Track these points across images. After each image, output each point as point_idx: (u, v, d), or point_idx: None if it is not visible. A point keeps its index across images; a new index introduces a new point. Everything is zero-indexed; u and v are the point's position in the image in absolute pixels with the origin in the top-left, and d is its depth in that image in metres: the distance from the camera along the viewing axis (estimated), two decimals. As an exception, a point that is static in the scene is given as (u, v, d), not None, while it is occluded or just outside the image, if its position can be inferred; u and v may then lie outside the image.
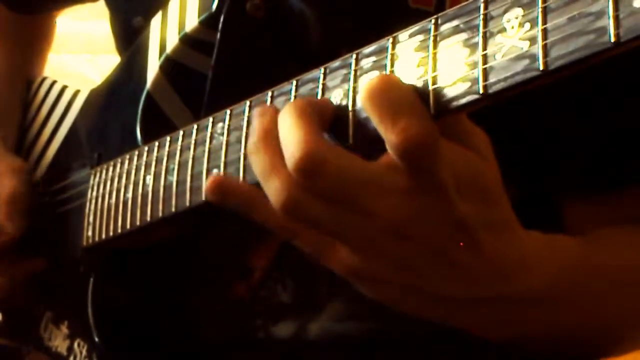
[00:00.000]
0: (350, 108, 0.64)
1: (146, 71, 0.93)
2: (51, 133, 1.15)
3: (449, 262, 0.64)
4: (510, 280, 0.67)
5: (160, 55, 0.91)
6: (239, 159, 0.73)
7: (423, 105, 0.58)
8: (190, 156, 0.79)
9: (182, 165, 0.81)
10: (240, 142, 0.74)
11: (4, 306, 1.11)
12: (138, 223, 0.87)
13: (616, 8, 0.48)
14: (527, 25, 0.53)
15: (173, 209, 0.81)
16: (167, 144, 0.84)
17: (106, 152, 0.99)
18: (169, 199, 0.82)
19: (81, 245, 0.98)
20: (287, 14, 0.85)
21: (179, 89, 0.92)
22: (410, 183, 0.60)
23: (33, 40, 1.32)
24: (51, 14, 1.35)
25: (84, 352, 0.97)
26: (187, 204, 0.79)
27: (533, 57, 0.52)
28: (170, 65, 0.91)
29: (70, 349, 1.00)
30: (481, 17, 0.56)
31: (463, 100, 0.56)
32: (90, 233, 0.96)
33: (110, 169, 0.94)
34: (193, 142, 0.80)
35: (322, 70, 0.67)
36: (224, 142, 0.75)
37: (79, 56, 2.19)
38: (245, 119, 0.74)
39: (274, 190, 0.62)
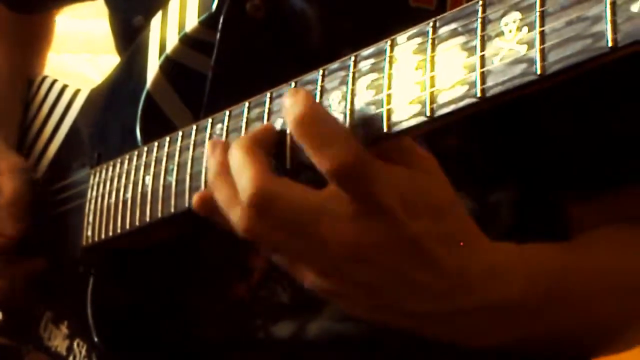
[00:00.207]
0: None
1: (146, 71, 0.93)
2: (51, 132, 1.15)
3: (409, 279, 0.66)
4: (475, 291, 0.68)
5: (160, 55, 0.91)
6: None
7: (350, 132, 0.62)
8: (190, 157, 0.79)
9: (181, 166, 0.81)
10: None
11: (3, 306, 1.11)
12: (137, 223, 0.87)
13: (614, 13, 0.48)
14: (525, 29, 0.53)
15: (172, 209, 0.81)
16: (167, 144, 0.84)
17: (106, 151, 0.99)
18: (168, 199, 0.82)
19: (81, 245, 0.98)
20: (288, 14, 0.85)
21: (179, 89, 0.92)
22: (355, 208, 0.63)
23: (33, 39, 1.32)
24: (51, 13, 1.34)
25: (84, 352, 0.97)
26: (186, 204, 0.79)
27: (531, 61, 0.52)
28: (170, 65, 0.91)
29: (69, 348, 1.00)
30: (479, 20, 0.56)
31: (461, 104, 0.56)
32: (89, 233, 0.96)
33: (110, 168, 0.94)
34: (192, 142, 0.80)
35: (321, 72, 0.67)
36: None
37: (78, 56, 2.19)
38: (245, 120, 0.74)
39: (235, 220, 0.67)
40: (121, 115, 0.97)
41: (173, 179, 0.81)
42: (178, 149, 0.82)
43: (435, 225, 0.64)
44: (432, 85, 0.58)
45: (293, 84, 0.70)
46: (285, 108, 0.63)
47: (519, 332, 0.74)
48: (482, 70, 0.55)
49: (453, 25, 0.58)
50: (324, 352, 0.88)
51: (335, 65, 0.66)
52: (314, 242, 0.64)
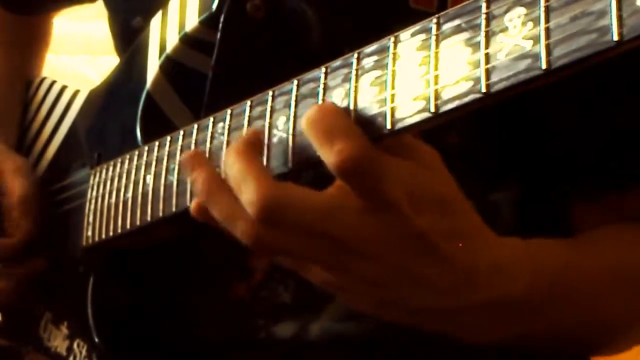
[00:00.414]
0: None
1: (146, 71, 0.93)
2: (51, 133, 1.15)
3: (415, 275, 0.66)
4: (481, 286, 0.68)
5: (160, 55, 0.91)
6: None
7: (358, 128, 0.61)
8: None
9: None
10: None
11: (3, 307, 1.10)
12: (138, 223, 0.87)
13: (619, 7, 0.48)
14: (530, 25, 0.53)
15: (173, 209, 0.81)
16: (168, 143, 0.84)
17: (106, 152, 0.99)
18: (170, 199, 0.82)
19: (81, 245, 0.98)
20: (288, 14, 0.85)
21: (179, 88, 0.92)
22: (362, 204, 0.63)
23: (31, 41, 1.32)
24: (49, 14, 1.34)
25: (84, 353, 0.97)
26: (188, 203, 0.79)
27: (536, 56, 0.52)
28: (170, 65, 0.91)
29: (69, 349, 0.99)
30: (483, 16, 0.56)
31: (466, 100, 0.56)
32: (90, 233, 0.96)
33: (110, 168, 0.94)
34: (193, 141, 0.80)
35: (323, 69, 0.67)
36: (225, 142, 0.75)
37: (78, 57, 2.19)
38: (246, 118, 0.74)
39: (240, 233, 0.66)
40: (121, 116, 0.97)
41: (174, 178, 0.81)
42: (179, 148, 0.82)
43: (442, 221, 0.65)
44: (437, 82, 0.58)
45: (295, 82, 0.70)
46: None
47: (522, 328, 0.75)
48: (486, 66, 0.55)
49: (457, 22, 0.58)
50: (325, 352, 0.88)
51: (337, 62, 0.67)
52: (322, 240, 0.64)
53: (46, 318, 1.06)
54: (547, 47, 0.51)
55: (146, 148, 0.87)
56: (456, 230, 0.66)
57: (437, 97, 0.58)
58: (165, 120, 0.92)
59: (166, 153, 0.84)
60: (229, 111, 0.76)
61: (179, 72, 0.91)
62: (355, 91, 0.64)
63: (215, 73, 0.84)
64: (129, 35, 1.01)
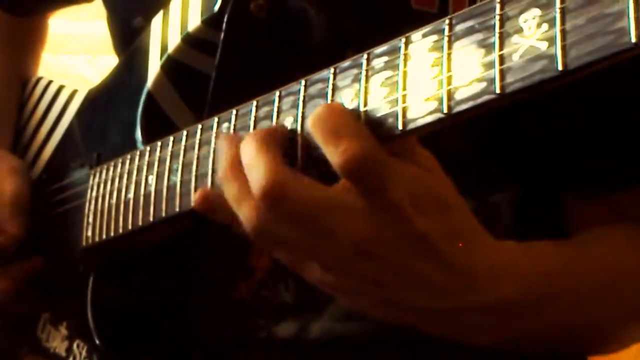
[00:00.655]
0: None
1: (147, 71, 0.93)
2: (48, 133, 1.14)
3: (415, 276, 0.67)
4: (480, 288, 0.69)
5: (162, 55, 0.91)
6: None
7: (365, 128, 0.62)
8: (195, 156, 0.79)
9: (185, 166, 0.80)
10: None
11: (0, 307, 1.10)
12: (140, 223, 0.86)
13: (637, 9, 0.48)
14: (545, 26, 0.53)
15: (177, 209, 0.81)
16: (170, 143, 0.84)
17: (105, 152, 0.99)
18: (173, 199, 0.81)
19: (80, 246, 0.98)
20: (291, 14, 0.85)
21: (180, 88, 0.91)
22: (365, 204, 0.63)
23: (27, 40, 1.31)
24: (44, 15, 1.34)
25: (84, 353, 0.96)
26: (192, 204, 0.79)
27: (552, 58, 0.52)
28: (171, 65, 0.91)
29: (69, 350, 0.99)
30: (497, 17, 0.56)
31: (480, 100, 0.56)
32: (90, 233, 0.96)
33: (111, 169, 0.94)
34: (197, 142, 0.80)
35: (332, 70, 0.67)
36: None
37: (77, 57, 2.18)
38: (252, 119, 0.74)
39: (244, 217, 0.66)
40: (121, 115, 0.97)
41: (177, 178, 0.81)
42: (183, 148, 0.81)
43: (443, 223, 0.65)
44: (450, 83, 0.58)
45: (303, 82, 0.70)
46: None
47: (520, 329, 0.76)
48: (501, 67, 0.55)
49: (470, 23, 0.58)
50: (326, 352, 0.88)
51: (347, 63, 0.66)
52: (323, 236, 0.64)
53: (44, 318, 1.06)
54: (564, 48, 0.52)
55: (148, 148, 0.87)
56: (456, 233, 0.67)
57: (450, 98, 0.58)
58: (166, 120, 0.92)
59: (169, 153, 0.83)
60: (234, 111, 0.76)
61: (180, 72, 0.90)
62: (365, 92, 0.64)
63: (218, 73, 0.84)
64: (129, 35, 1.00)
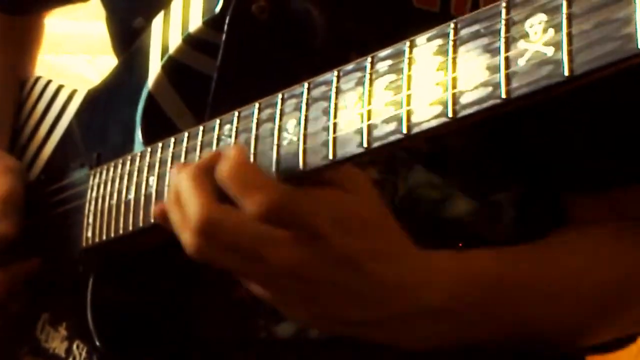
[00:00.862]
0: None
1: (147, 72, 0.93)
2: (46, 133, 1.14)
3: (346, 293, 0.73)
4: (408, 299, 0.75)
5: (163, 55, 0.91)
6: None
7: (266, 176, 0.69)
8: (196, 158, 0.79)
9: None
10: (249, 145, 0.74)
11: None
12: (140, 224, 0.86)
13: (644, 15, 0.48)
14: (552, 31, 0.53)
15: None
16: (172, 145, 0.84)
17: (105, 152, 0.99)
18: None
19: (80, 246, 0.97)
20: (293, 15, 0.85)
21: (181, 89, 0.91)
22: (289, 234, 0.70)
23: (24, 40, 1.31)
24: (40, 14, 1.33)
25: (84, 354, 0.96)
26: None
27: (558, 63, 0.52)
28: (172, 66, 0.91)
29: (68, 350, 0.99)
30: (503, 22, 0.56)
31: (485, 105, 0.56)
32: (89, 234, 0.96)
33: (111, 169, 0.93)
34: (199, 143, 0.79)
35: (336, 72, 0.67)
36: (232, 145, 0.75)
37: (77, 57, 2.18)
38: (255, 121, 0.74)
39: (184, 244, 0.73)
40: (121, 116, 0.97)
41: None
42: (184, 150, 0.81)
43: (368, 241, 0.71)
44: (454, 86, 0.58)
45: (306, 85, 0.70)
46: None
47: (458, 334, 0.80)
48: (507, 71, 0.55)
49: (475, 27, 0.58)
50: (326, 352, 0.88)
51: (350, 66, 0.66)
52: (256, 261, 0.71)
53: (44, 319, 1.05)
54: (570, 53, 0.52)
55: (149, 149, 0.87)
56: (382, 249, 0.72)
57: (455, 102, 0.58)
58: (167, 121, 0.92)
59: (170, 155, 0.83)
60: (236, 113, 0.76)
61: (181, 73, 0.90)
62: (369, 95, 0.64)
63: (220, 74, 0.84)
64: (129, 36, 1.00)
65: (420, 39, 0.62)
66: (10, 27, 1.27)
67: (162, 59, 0.91)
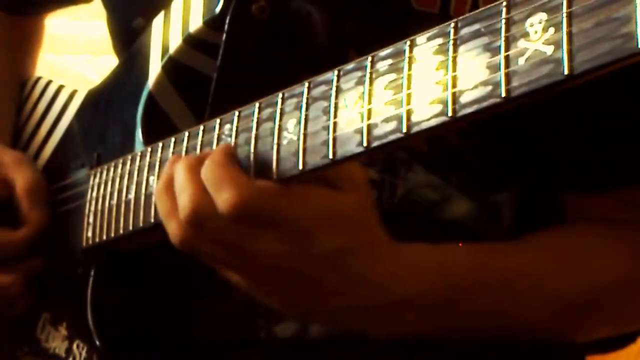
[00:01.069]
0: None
1: (148, 72, 0.93)
2: (47, 133, 1.14)
3: (321, 286, 0.75)
4: (380, 290, 0.77)
5: (163, 56, 0.91)
6: (248, 159, 0.73)
7: (241, 176, 0.71)
8: None
9: None
10: (249, 144, 0.74)
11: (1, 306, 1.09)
12: (141, 224, 0.86)
13: (645, 14, 0.48)
14: (552, 30, 0.53)
15: None
16: (172, 145, 0.84)
17: (105, 152, 0.99)
18: None
19: (80, 246, 0.97)
20: (293, 16, 0.85)
21: (181, 89, 0.91)
22: (271, 233, 0.72)
23: (25, 41, 1.31)
24: (42, 15, 1.34)
25: (84, 354, 0.96)
26: None
27: (558, 62, 0.52)
28: (173, 66, 0.91)
29: (69, 350, 0.99)
30: (503, 21, 0.56)
31: (485, 104, 0.56)
32: (90, 234, 0.96)
33: (111, 169, 0.93)
34: (199, 143, 0.80)
35: (336, 72, 0.67)
36: (232, 144, 0.75)
37: (79, 57, 2.18)
38: (255, 120, 0.74)
39: (170, 232, 0.76)
40: (122, 116, 0.97)
41: None
42: (184, 149, 0.81)
43: (349, 238, 0.73)
44: (454, 86, 0.58)
45: (307, 84, 0.70)
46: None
47: (427, 325, 0.82)
48: (507, 70, 0.55)
49: (476, 26, 0.58)
50: (325, 352, 0.88)
51: (351, 65, 0.67)
52: (241, 253, 0.74)
53: (44, 319, 1.05)
54: (570, 52, 0.52)
55: (149, 149, 0.87)
56: (360, 246, 0.74)
57: (455, 101, 0.58)
58: (167, 121, 0.92)
59: (170, 154, 0.83)
60: (236, 113, 0.76)
61: (181, 73, 0.90)
62: (369, 94, 0.64)
63: (220, 74, 0.84)
64: (129, 36, 1.00)
65: (421, 38, 0.62)
66: (10, 27, 1.27)
67: (162, 59, 0.91)
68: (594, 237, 0.86)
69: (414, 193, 0.86)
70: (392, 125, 0.62)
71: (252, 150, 0.73)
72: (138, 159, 0.89)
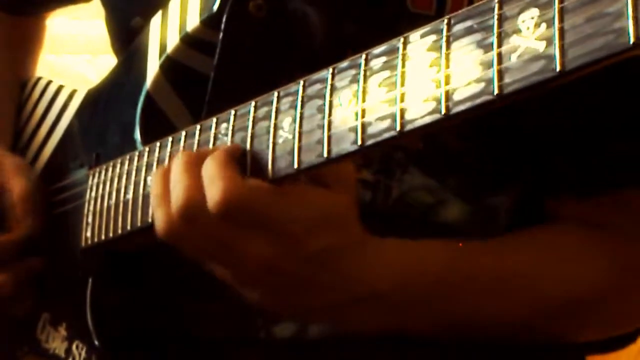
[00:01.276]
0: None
1: (146, 71, 0.92)
2: (47, 133, 1.14)
3: (314, 284, 0.76)
4: (352, 286, 0.77)
5: (161, 55, 0.91)
6: (245, 157, 0.73)
7: (233, 174, 0.71)
8: None
9: None
10: (245, 143, 0.74)
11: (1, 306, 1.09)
12: (139, 224, 0.86)
13: (635, 9, 0.48)
14: (544, 26, 0.53)
15: None
16: (169, 144, 0.84)
17: (104, 152, 0.98)
18: None
19: (80, 246, 0.97)
20: (290, 15, 0.85)
21: (179, 89, 0.91)
22: (260, 232, 0.72)
23: (25, 41, 1.31)
24: (42, 15, 1.34)
25: (84, 354, 0.96)
26: None
27: (550, 58, 0.52)
28: (170, 65, 0.90)
29: (68, 351, 0.99)
30: (495, 17, 0.56)
31: (478, 101, 0.56)
32: (89, 234, 0.95)
33: (110, 169, 0.93)
34: (196, 142, 0.79)
35: (330, 70, 0.67)
36: (229, 143, 0.75)
37: (78, 57, 2.18)
38: (251, 119, 0.74)
39: (157, 219, 0.76)
40: (120, 116, 0.97)
41: None
42: (181, 148, 0.81)
43: (336, 238, 0.73)
44: (448, 83, 0.58)
45: (302, 83, 0.70)
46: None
47: (402, 319, 0.82)
48: (499, 67, 0.55)
49: (468, 23, 0.58)
50: (325, 352, 0.88)
51: (345, 63, 0.66)
52: (227, 252, 0.74)
53: (44, 319, 1.05)
54: (562, 48, 0.51)
55: (147, 149, 0.87)
56: (347, 245, 0.75)
57: (448, 99, 0.58)
58: (165, 120, 0.92)
59: (168, 154, 0.83)
60: (232, 112, 0.76)
61: (179, 73, 0.90)
62: (364, 92, 0.64)
63: (217, 73, 0.84)
64: (127, 35, 1.00)
65: (414, 36, 0.61)
66: (11, 27, 1.27)
67: (160, 59, 0.91)
68: (583, 238, 0.86)
69: (409, 196, 0.86)
70: (386, 123, 0.62)
71: (248, 148, 0.73)
72: (136, 159, 0.88)
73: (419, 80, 0.60)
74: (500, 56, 0.55)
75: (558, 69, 0.51)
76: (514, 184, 0.90)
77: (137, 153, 0.89)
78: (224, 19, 0.84)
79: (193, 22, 0.87)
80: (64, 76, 1.30)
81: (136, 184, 0.87)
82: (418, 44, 0.61)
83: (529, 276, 0.84)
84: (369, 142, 0.63)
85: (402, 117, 0.61)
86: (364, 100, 0.64)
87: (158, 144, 0.85)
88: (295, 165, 0.69)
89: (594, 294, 0.86)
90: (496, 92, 0.55)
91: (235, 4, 0.83)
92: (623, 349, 0.92)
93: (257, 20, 0.84)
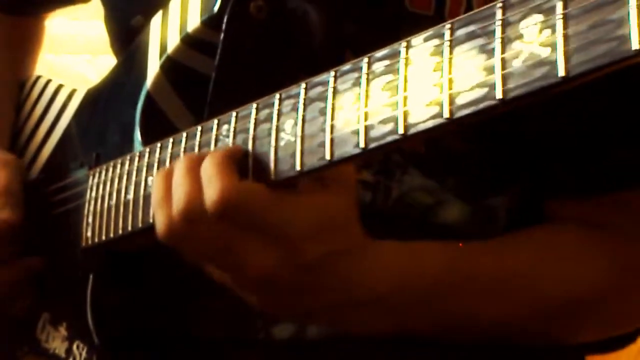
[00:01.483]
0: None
1: (146, 71, 0.92)
2: (46, 133, 1.14)
3: (305, 289, 0.75)
4: (352, 289, 0.77)
5: (161, 55, 0.91)
6: (246, 160, 0.73)
7: (237, 174, 0.71)
8: None
9: None
10: (247, 145, 0.74)
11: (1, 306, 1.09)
12: (140, 224, 0.86)
13: (639, 16, 0.48)
14: (547, 32, 0.53)
15: None
16: (170, 145, 0.84)
17: (104, 152, 0.98)
18: None
19: (80, 246, 0.97)
20: (291, 15, 0.85)
21: (179, 89, 0.91)
22: (260, 238, 0.71)
23: (24, 41, 1.31)
24: (41, 16, 1.33)
25: (84, 354, 0.96)
26: None
27: (553, 64, 0.52)
28: (171, 66, 0.90)
29: (69, 350, 0.99)
30: (498, 22, 0.56)
31: (481, 106, 0.56)
32: (89, 234, 0.95)
33: (110, 169, 0.93)
34: (197, 144, 0.79)
35: (333, 73, 0.67)
36: (230, 145, 0.75)
37: (78, 57, 2.18)
38: (252, 121, 0.74)
39: (158, 221, 0.75)
40: (120, 116, 0.97)
41: None
42: (182, 150, 0.81)
43: (336, 243, 0.73)
44: (451, 87, 0.58)
45: (304, 85, 0.70)
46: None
47: (402, 320, 0.82)
48: (503, 72, 0.55)
49: (471, 28, 0.58)
50: (324, 352, 0.88)
51: (347, 66, 0.66)
52: (226, 255, 0.73)
53: (44, 319, 1.05)
54: (565, 54, 0.51)
55: (147, 149, 0.87)
56: (346, 250, 0.74)
57: (451, 103, 0.58)
58: (166, 120, 0.91)
59: (168, 155, 0.83)
60: (234, 113, 0.76)
61: (179, 73, 0.90)
62: (366, 96, 0.64)
63: (218, 74, 0.84)
64: (127, 34, 1.00)
65: (416, 40, 0.62)
66: (10, 27, 1.27)
67: (160, 59, 0.91)
68: (583, 238, 0.87)
69: (409, 196, 0.86)
70: (389, 126, 0.62)
71: (249, 151, 0.73)
72: (136, 159, 0.88)
73: (421, 84, 0.60)
74: (503, 61, 0.55)
75: (562, 74, 0.52)
76: (513, 185, 0.90)
77: (137, 153, 0.89)
78: (224, 20, 0.84)
79: (194, 22, 0.87)
80: (64, 76, 1.29)
81: (137, 185, 0.87)
82: (420, 48, 0.61)
83: (528, 276, 0.85)
84: (372, 145, 0.63)
85: (405, 120, 0.61)
86: (366, 104, 0.64)
87: (159, 144, 0.85)
88: (298, 168, 0.69)
89: (594, 294, 0.86)
90: (500, 96, 0.55)
91: (236, 4, 0.83)
92: (623, 349, 0.92)
93: (257, 21, 0.84)
